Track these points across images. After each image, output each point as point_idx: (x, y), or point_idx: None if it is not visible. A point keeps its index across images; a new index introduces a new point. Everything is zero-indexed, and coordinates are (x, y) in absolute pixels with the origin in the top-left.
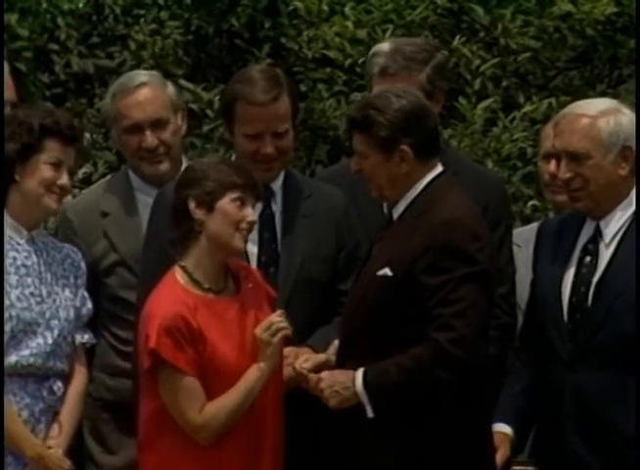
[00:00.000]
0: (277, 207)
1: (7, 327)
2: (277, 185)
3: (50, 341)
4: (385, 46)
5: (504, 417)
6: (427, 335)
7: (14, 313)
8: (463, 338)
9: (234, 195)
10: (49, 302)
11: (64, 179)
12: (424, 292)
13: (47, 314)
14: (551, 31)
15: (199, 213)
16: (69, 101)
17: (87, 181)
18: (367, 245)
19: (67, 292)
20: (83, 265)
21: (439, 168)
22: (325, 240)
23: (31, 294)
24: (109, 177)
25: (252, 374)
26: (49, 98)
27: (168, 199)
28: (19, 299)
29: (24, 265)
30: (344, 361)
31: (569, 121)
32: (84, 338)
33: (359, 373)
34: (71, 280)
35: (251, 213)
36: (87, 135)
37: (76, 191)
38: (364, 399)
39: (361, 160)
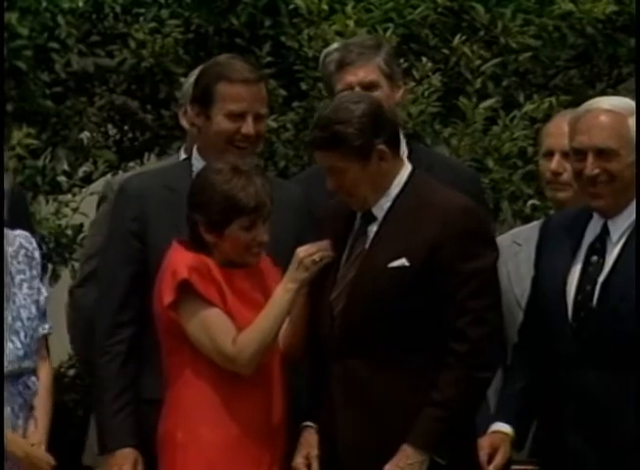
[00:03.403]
0: None
1: None
2: None
3: (19, 344)
4: (334, 46)
5: (504, 416)
6: (459, 330)
7: None
8: (496, 331)
9: (243, 222)
10: (8, 306)
11: None
12: (452, 278)
13: (9, 318)
14: (551, 30)
15: (208, 237)
16: (70, 99)
17: (87, 180)
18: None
19: (24, 288)
20: (37, 254)
21: (409, 166)
22: (286, 233)
23: None
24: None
25: (280, 296)
26: (49, 97)
27: (132, 190)
28: None
29: None
30: (345, 357)
31: (595, 117)
32: (45, 328)
33: (408, 448)
34: (27, 274)
35: (261, 233)
36: (87, 134)
37: (76, 190)
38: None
39: (337, 177)
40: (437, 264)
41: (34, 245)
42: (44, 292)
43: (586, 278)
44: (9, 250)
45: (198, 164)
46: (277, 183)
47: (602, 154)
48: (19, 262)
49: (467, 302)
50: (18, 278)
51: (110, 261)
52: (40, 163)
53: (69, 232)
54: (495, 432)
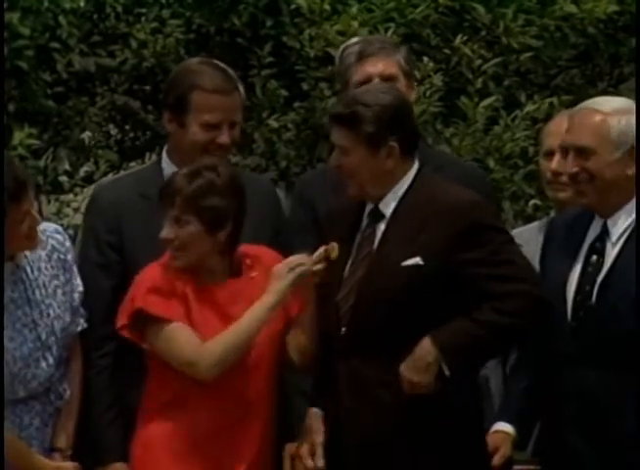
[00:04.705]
0: None
1: (6, 372)
2: None
3: (51, 360)
4: (353, 40)
5: (506, 416)
6: (494, 293)
7: (9, 357)
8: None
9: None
10: (42, 322)
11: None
12: (466, 269)
13: (43, 335)
14: (552, 30)
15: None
16: (71, 99)
17: (89, 180)
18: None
19: (59, 295)
20: (70, 257)
21: (417, 164)
22: (261, 224)
23: (24, 325)
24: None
25: (256, 307)
26: (51, 96)
27: (105, 199)
28: (12, 339)
29: (12, 300)
30: (350, 356)
31: (581, 116)
32: (78, 325)
33: (426, 339)
34: (61, 278)
35: (165, 230)
36: (89, 134)
37: (78, 190)
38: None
39: (342, 156)
40: (452, 260)
41: (67, 245)
42: (78, 288)
43: (586, 278)
44: (42, 254)
45: (168, 167)
46: (248, 178)
47: (581, 152)
48: (52, 267)
49: (493, 286)
50: (52, 285)
51: (90, 274)
52: (42, 163)
53: (71, 232)
54: (497, 431)
